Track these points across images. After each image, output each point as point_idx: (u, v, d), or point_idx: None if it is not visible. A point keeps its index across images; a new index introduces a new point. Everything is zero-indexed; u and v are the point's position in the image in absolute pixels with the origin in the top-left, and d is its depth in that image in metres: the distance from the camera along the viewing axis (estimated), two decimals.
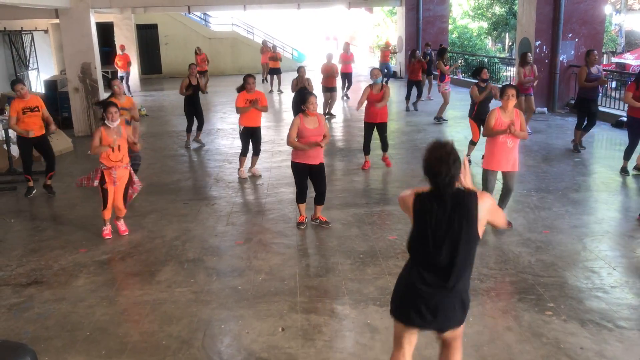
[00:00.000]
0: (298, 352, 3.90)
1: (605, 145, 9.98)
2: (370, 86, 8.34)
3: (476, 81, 8.74)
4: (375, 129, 8.47)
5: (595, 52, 9.38)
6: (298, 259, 5.47)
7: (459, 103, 14.62)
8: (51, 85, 13.33)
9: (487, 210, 2.88)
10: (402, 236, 5.90)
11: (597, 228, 6.02)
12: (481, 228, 2.88)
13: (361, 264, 5.27)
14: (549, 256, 5.33)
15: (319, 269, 5.22)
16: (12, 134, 9.43)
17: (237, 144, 10.73)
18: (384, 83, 8.40)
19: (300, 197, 6.26)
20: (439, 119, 12.32)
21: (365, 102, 8.37)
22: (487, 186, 5.98)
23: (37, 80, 17.36)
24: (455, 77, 18.99)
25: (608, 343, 3.89)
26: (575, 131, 9.37)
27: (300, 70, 11.14)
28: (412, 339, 3.13)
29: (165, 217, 6.70)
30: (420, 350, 3.88)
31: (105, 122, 5.88)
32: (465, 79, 18.65)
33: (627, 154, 7.86)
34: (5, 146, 8.95)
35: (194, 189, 7.98)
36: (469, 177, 3.03)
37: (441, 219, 2.82)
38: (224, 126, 12.58)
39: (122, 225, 6.27)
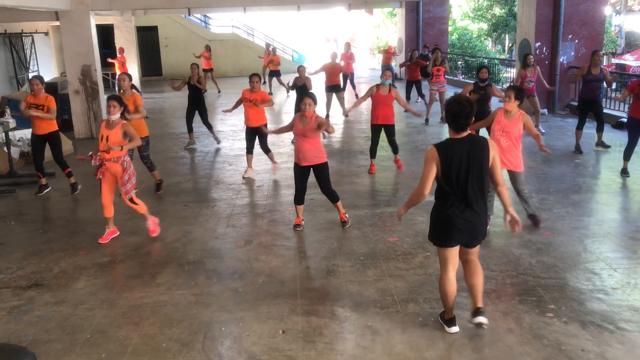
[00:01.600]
0: (298, 355, 3.90)
1: None
2: (377, 86, 8.12)
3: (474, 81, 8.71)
4: (382, 131, 8.31)
5: (601, 52, 9.43)
6: (298, 261, 5.46)
7: None
8: (51, 87, 13.31)
9: (495, 150, 3.77)
10: (402, 238, 5.90)
11: (597, 229, 6.02)
12: (488, 164, 3.75)
13: (362, 266, 5.27)
14: (550, 258, 5.32)
15: (320, 271, 5.22)
16: (12, 136, 9.45)
17: (238, 145, 10.78)
18: (392, 85, 8.17)
19: (297, 198, 6.24)
20: (442, 119, 12.40)
21: (369, 103, 8.26)
22: None
23: None
24: (455, 78, 19.00)
25: (609, 345, 3.89)
26: (576, 131, 9.39)
27: (300, 69, 11.10)
28: (455, 259, 3.94)
29: (166, 219, 6.68)
30: (422, 352, 3.88)
31: (107, 115, 5.88)
32: (465, 80, 18.66)
33: (627, 154, 7.87)
34: (5, 148, 8.94)
35: (195, 191, 7.98)
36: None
37: (463, 158, 3.67)
38: (224, 128, 12.58)
39: (150, 224, 6.16)
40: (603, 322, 4.16)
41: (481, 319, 3.94)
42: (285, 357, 3.87)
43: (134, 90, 7.58)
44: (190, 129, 10.72)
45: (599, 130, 9.35)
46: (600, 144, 9.39)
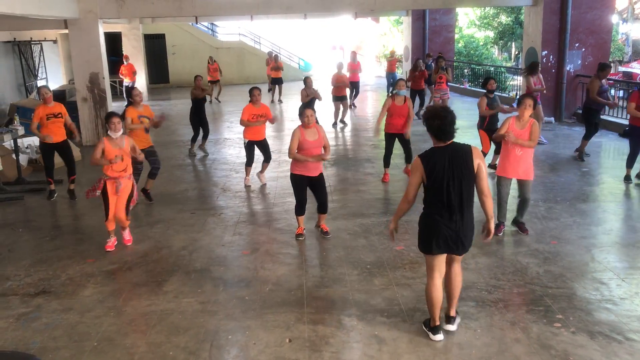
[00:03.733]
0: None
1: (613, 155, 9.93)
2: (392, 97, 8.13)
3: (484, 91, 8.60)
4: (397, 140, 8.29)
5: (611, 67, 9.54)
6: (305, 270, 5.46)
7: (465, 112, 14.59)
8: (59, 95, 13.42)
9: (480, 157, 3.82)
10: (409, 247, 5.89)
11: (605, 239, 5.99)
12: (473, 170, 3.79)
13: (368, 275, 5.26)
14: (558, 267, 5.30)
15: (326, 280, 5.21)
16: (20, 143, 9.51)
17: (244, 153, 10.77)
18: (406, 96, 8.16)
19: (299, 209, 6.19)
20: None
21: (386, 114, 8.19)
22: (500, 192, 6.08)
23: None
24: (461, 86, 18.98)
25: (618, 356, 3.86)
26: (582, 141, 9.38)
27: (307, 80, 11.12)
28: (442, 266, 4.00)
29: (172, 227, 6.71)
30: None
31: (108, 132, 5.94)
32: (472, 89, 18.65)
33: (630, 162, 7.95)
34: (14, 155, 9.00)
35: (201, 199, 8.00)
36: None
37: (446, 166, 3.75)
38: (230, 135, 12.62)
39: (126, 234, 6.24)
40: (611, 333, 4.14)
41: (449, 327, 4.20)
42: None
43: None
44: (195, 139, 10.84)
45: (588, 138, 9.43)
46: (583, 151, 9.41)
